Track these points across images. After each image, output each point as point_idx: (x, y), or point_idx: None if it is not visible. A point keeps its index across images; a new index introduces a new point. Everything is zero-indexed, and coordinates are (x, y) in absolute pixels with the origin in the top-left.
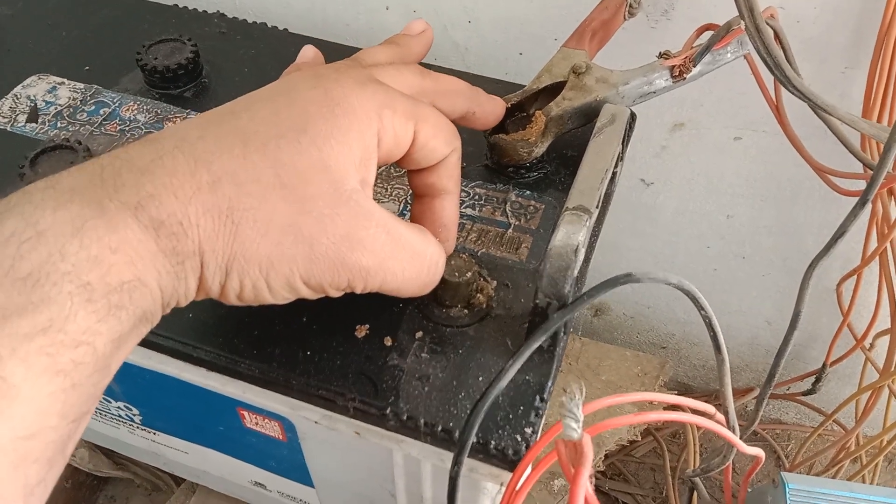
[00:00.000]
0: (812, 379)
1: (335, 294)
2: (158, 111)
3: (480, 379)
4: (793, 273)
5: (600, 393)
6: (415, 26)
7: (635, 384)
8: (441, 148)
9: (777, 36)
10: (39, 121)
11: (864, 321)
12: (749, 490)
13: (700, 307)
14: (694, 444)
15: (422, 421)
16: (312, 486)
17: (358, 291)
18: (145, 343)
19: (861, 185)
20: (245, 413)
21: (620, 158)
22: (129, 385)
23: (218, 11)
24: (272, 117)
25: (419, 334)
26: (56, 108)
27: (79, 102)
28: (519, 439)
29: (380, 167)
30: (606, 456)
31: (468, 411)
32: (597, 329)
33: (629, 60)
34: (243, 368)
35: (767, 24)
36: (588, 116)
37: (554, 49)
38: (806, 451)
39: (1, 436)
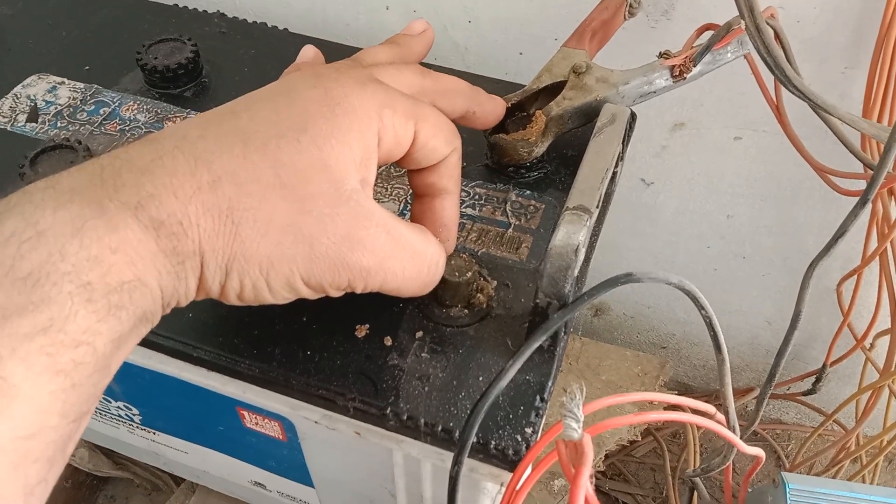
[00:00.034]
0: (812, 379)
1: (335, 294)
2: (158, 111)
3: (481, 379)
4: (793, 273)
5: (600, 393)
6: (415, 26)
7: (635, 384)
8: (441, 147)
9: (777, 36)
10: (39, 120)
11: (865, 321)
12: (749, 490)
13: (700, 307)
14: (694, 444)
15: (422, 421)
16: (312, 486)
17: (358, 291)
18: (145, 343)
19: (861, 184)
20: (245, 413)
21: (621, 158)
22: (129, 385)
23: (218, 11)
24: (272, 117)
25: (419, 334)
26: (56, 108)
27: (79, 102)
28: (519, 439)
29: (380, 167)
30: (607, 456)
31: (468, 411)
32: (597, 329)
33: (629, 60)
34: (243, 368)
35: (767, 23)
36: (588, 116)
37: (554, 49)
38: (806, 451)
39: (1, 435)
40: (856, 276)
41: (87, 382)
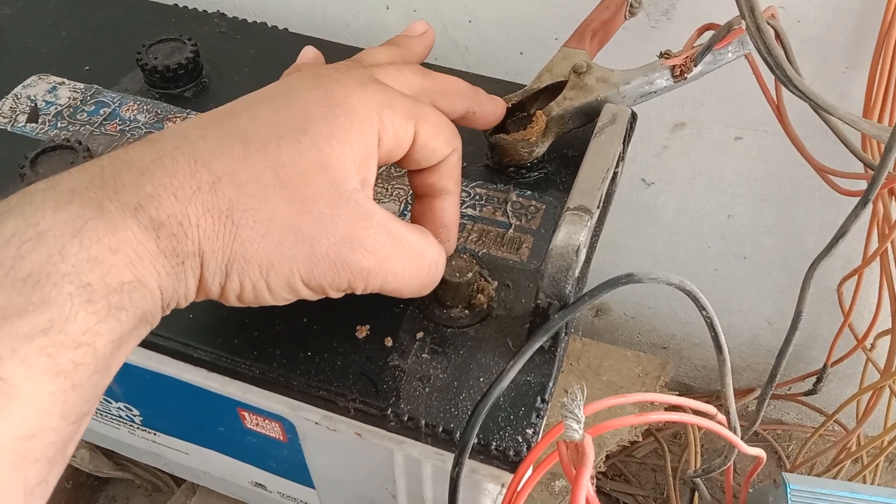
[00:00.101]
0: (813, 379)
1: (335, 295)
2: (158, 111)
3: (481, 379)
4: (794, 273)
5: (601, 394)
6: (416, 27)
7: (636, 385)
8: (441, 148)
9: (778, 36)
10: (40, 121)
11: (865, 321)
12: (750, 490)
13: (701, 307)
14: (695, 445)
15: (423, 422)
16: (313, 486)
17: (358, 292)
18: (146, 344)
19: (862, 185)
20: (245, 414)
21: (621, 158)
22: (129, 386)
23: (218, 11)
24: (272, 117)
25: (420, 335)
26: (56, 108)
27: (79, 102)
28: (520, 440)
29: (380, 167)
30: (608, 457)
31: (469, 412)
32: (598, 329)
33: (630, 60)
34: (244, 369)
35: (768, 23)
36: (589, 116)
37: (554, 49)
38: (807, 451)
39: (1, 436)
40: (856, 277)
41: (87, 383)
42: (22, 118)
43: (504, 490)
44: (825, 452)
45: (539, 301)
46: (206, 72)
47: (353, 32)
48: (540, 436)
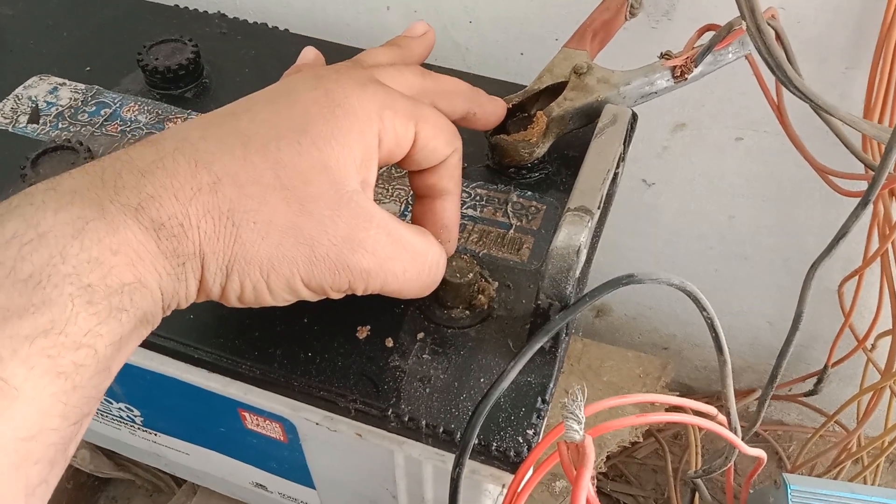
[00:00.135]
0: (814, 380)
1: (336, 296)
2: (159, 112)
3: (482, 380)
4: (794, 274)
5: (602, 394)
6: (417, 28)
7: (637, 385)
8: (442, 148)
9: (778, 36)
10: (41, 121)
11: (866, 322)
12: (751, 491)
13: (702, 308)
14: (696, 446)
15: (423, 422)
16: (314, 487)
17: (359, 293)
18: (147, 344)
19: (862, 185)
20: (246, 414)
21: (622, 159)
22: (130, 386)
23: (219, 12)
24: (273, 118)
25: (420, 335)
26: (57, 109)
27: (80, 103)
28: (521, 441)
29: (380, 168)
30: (608, 457)
31: (470, 413)
32: (598, 330)
33: (630, 61)
34: (244, 370)
35: (769, 24)
36: (589, 117)
37: (555, 49)
38: (807, 452)
39: (2, 436)
40: (857, 277)
41: (88, 384)
42: (23, 119)
43: (505, 491)
44: (826, 453)
45: (540, 302)
46: (207, 72)
47: (354, 33)
48: (541, 436)
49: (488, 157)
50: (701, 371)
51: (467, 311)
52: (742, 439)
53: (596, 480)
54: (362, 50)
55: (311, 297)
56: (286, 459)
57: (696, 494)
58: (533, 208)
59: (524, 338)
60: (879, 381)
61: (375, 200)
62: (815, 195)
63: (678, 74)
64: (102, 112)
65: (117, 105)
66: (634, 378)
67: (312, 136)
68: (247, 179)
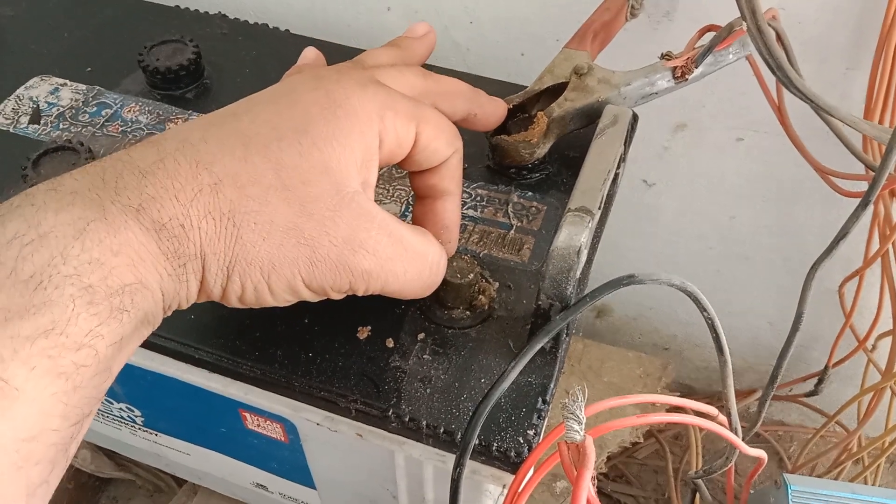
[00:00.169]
0: (814, 380)
1: (337, 296)
2: (160, 112)
3: (483, 381)
4: (795, 274)
5: (602, 395)
6: (418, 29)
7: (637, 386)
8: (443, 149)
9: (779, 37)
10: (42, 122)
11: (867, 322)
12: (751, 492)
13: (702, 308)
14: (696, 446)
15: (424, 423)
16: (314, 487)
17: (360, 294)
18: (147, 345)
19: (863, 186)
20: (247, 414)
21: (622, 159)
22: (131, 387)
23: (219, 12)
24: (274, 119)
25: (421, 336)
26: (58, 110)
27: (81, 104)
28: (521, 441)
29: (381, 168)
30: (609, 458)
31: (470, 413)
32: (599, 330)
33: (631, 61)
34: (245, 370)
35: (769, 25)
36: (590, 117)
37: (555, 50)
38: (808, 452)
39: (3, 437)
40: (857, 278)
41: (88, 385)
42: (24, 119)
43: (505, 491)
44: (826, 453)
45: (540, 302)
46: (208, 73)
47: (355, 33)
48: (541, 437)
49: (489, 158)
50: (701, 371)
51: (468, 312)
52: (742, 440)
53: (596, 481)
54: (363, 51)
55: (312, 298)
56: (287, 460)
57: (697, 495)
58: (533, 209)
59: (525, 338)
60: (880, 382)
61: (376, 201)
62: (816, 195)
63: (679, 75)
64: (103, 113)
65: (118, 105)
66: (635, 378)
67: (313, 137)
68: (248, 180)
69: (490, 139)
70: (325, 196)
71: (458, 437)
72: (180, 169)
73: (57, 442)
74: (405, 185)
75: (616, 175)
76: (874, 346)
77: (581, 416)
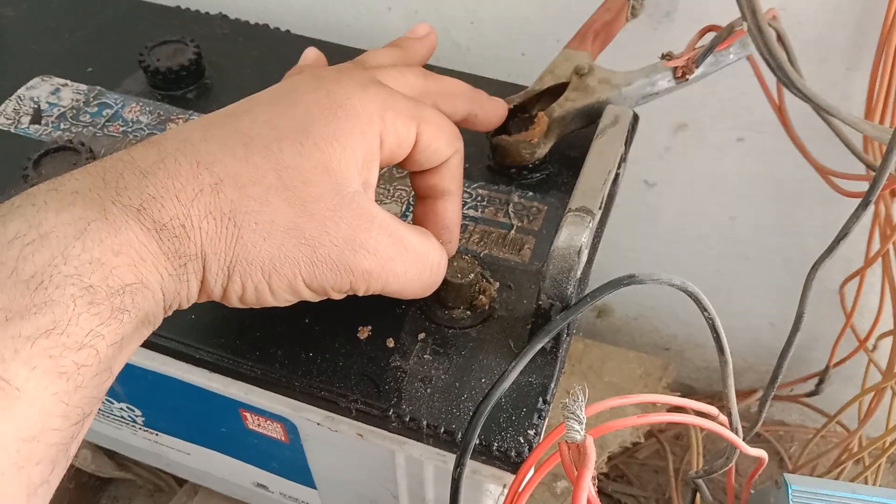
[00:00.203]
0: (815, 380)
1: (337, 296)
2: (161, 112)
3: (483, 380)
4: (795, 274)
5: (603, 395)
6: (419, 29)
7: (638, 386)
8: (443, 149)
9: (779, 37)
10: (43, 122)
11: (867, 323)
12: (752, 492)
13: (703, 308)
14: (697, 446)
15: (424, 422)
16: (315, 487)
17: (360, 294)
18: (148, 344)
19: (863, 186)
20: (247, 414)
21: (623, 159)
22: (131, 386)
23: (220, 13)
24: (274, 119)
25: (422, 336)
26: (59, 110)
27: (82, 104)
28: (522, 441)
29: (382, 169)
30: (609, 458)
31: (471, 413)
32: (600, 330)
33: (632, 62)
34: (246, 370)
35: (770, 25)
36: (591, 117)
37: (556, 50)
38: (809, 452)
39: (4, 437)
40: (858, 278)
41: (89, 384)
42: (25, 119)
43: (506, 491)
44: (827, 453)
45: (541, 302)
46: (209, 73)
47: (355, 34)
48: (542, 437)
49: (489, 158)
50: (702, 371)
51: (468, 312)
52: (743, 440)
53: (597, 481)
54: (364, 51)
55: (313, 298)
56: (287, 460)
57: (698, 495)
58: (534, 209)
59: (525, 338)
60: (881, 382)
61: (377, 201)
62: (816, 196)
63: (679, 75)
64: (104, 113)
65: (119, 106)
66: (636, 378)
67: (314, 137)
68: (248, 180)
69: (491, 139)
70: (325, 196)
71: (459, 436)
72: (181, 169)
73: (58, 442)
74: (406, 185)
75: (617, 175)
76: (875, 346)
77: (582, 416)
